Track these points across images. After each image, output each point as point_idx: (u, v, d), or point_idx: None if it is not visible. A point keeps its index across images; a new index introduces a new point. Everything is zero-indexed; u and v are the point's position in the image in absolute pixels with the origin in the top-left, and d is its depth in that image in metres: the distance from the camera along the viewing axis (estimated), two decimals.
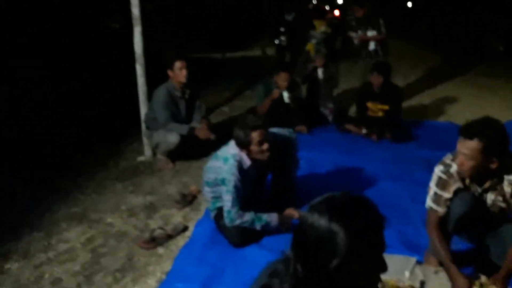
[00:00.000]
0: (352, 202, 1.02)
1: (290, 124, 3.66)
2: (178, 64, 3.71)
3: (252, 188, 2.58)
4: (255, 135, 2.38)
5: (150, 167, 3.95)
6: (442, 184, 2.00)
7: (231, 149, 2.49)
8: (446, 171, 1.99)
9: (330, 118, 4.82)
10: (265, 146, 2.41)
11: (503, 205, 1.95)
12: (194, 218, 2.95)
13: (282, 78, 4.33)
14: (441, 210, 2.02)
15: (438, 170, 2.03)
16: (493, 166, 1.80)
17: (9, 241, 2.72)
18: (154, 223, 2.91)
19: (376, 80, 4.26)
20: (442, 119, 5.15)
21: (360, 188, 3.23)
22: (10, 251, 2.63)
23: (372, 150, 4.04)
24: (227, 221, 2.43)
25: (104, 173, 3.86)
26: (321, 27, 7.91)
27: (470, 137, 1.74)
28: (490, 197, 1.97)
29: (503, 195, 1.91)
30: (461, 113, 5.34)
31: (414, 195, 3.08)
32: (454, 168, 1.97)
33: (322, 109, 4.95)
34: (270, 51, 9.75)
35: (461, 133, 1.78)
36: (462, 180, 1.97)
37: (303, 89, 5.11)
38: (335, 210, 0.98)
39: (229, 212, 2.40)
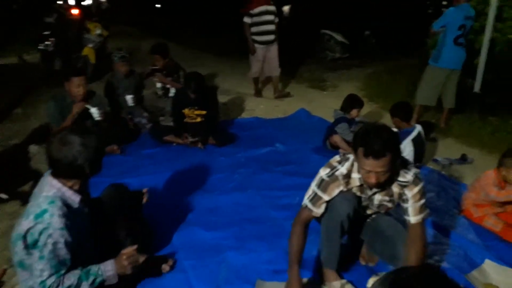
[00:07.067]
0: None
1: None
2: None
3: (90, 229, 1.88)
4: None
5: None
6: (324, 186, 1.95)
7: (47, 192, 1.71)
8: (331, 174, 1.95)
9: (148, 126, 4.30)
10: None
11: (389, 205, 2.03)
12: None
13: (75, 84, 3.37)
14: (316, 210, 1.98)
15: (323, 172, 1.97)
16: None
17: None
18: None
19: None
20: (245, 115, 5.31)
21: (214, 206, 2.90)
22: None
23: (203, 159, 3.72)
24: None
25: None
26: (96, 30, 7.00)
27: (383, 154, 1.68)
28: (377, 197, 2.01)
29: (391, 195, 1.97)
30: (256, 106, 5.65)
31: (271, 201, 2.98)
32: (340, 171, 1.93)
33: (136, 119, 4.37)
34: (31, 58, 8.10)
35: (373, 155, 1.68)
36: (346, 183, 1.93)
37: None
38: None
39: (43, 283, 1.65)
